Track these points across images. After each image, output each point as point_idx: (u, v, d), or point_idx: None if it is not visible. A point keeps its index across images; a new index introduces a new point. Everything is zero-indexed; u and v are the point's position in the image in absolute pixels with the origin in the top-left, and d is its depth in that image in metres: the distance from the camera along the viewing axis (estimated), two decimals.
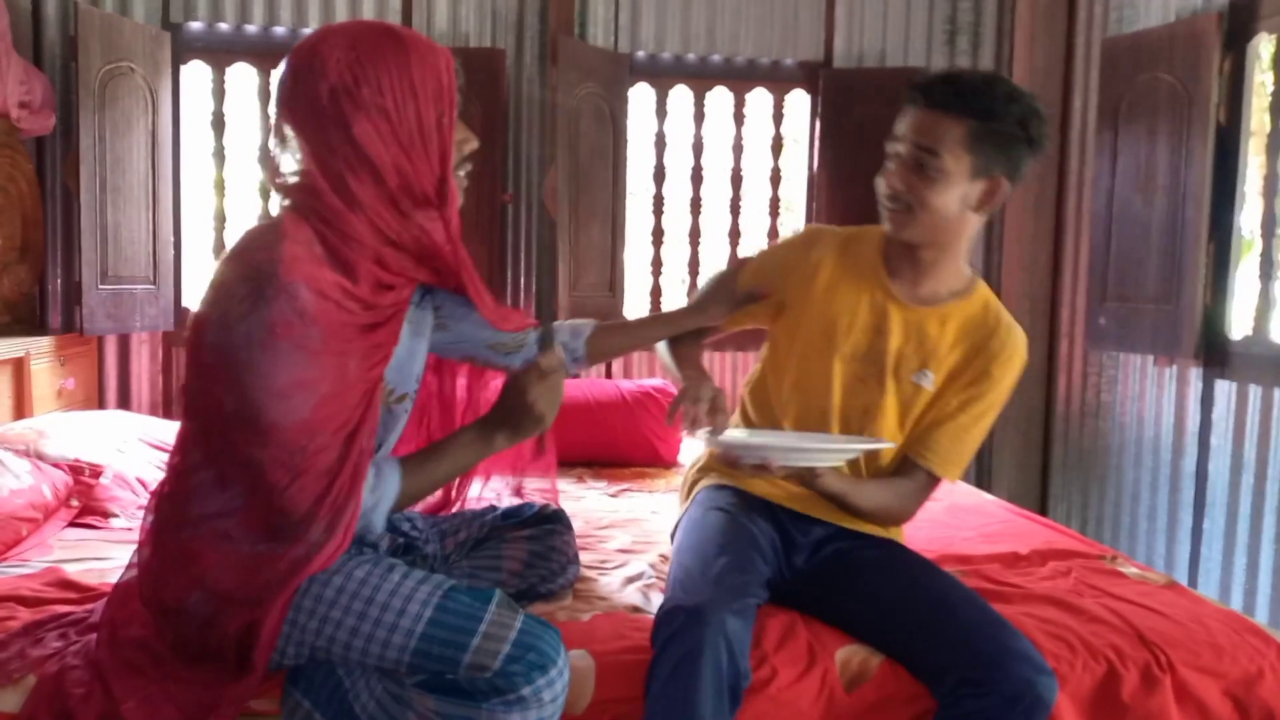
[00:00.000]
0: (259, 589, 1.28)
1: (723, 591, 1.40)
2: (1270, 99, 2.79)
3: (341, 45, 1.28)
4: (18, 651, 1.41)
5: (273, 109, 1.33)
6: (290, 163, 1.31)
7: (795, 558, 1.66)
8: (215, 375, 1.28)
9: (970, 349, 1.66)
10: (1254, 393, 2.77)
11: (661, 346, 1.85)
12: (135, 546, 1.43)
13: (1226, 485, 2.86)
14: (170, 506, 1.36)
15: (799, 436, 1.66)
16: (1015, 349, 1.67)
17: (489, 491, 1.83)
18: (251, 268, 1.26)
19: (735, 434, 1.55)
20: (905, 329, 1.66)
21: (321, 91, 1.27)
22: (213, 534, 1.30)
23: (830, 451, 1.55)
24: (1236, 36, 2.85)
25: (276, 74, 1.34)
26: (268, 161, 1.37)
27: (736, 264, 1.85)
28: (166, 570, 1.34)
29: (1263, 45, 2.83)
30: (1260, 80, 2.86)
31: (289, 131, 1.30)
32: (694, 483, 1.83)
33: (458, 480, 1.78)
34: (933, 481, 1.69)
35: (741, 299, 1.78)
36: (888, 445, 1.61)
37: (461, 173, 1.42)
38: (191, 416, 1.36)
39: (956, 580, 1.60)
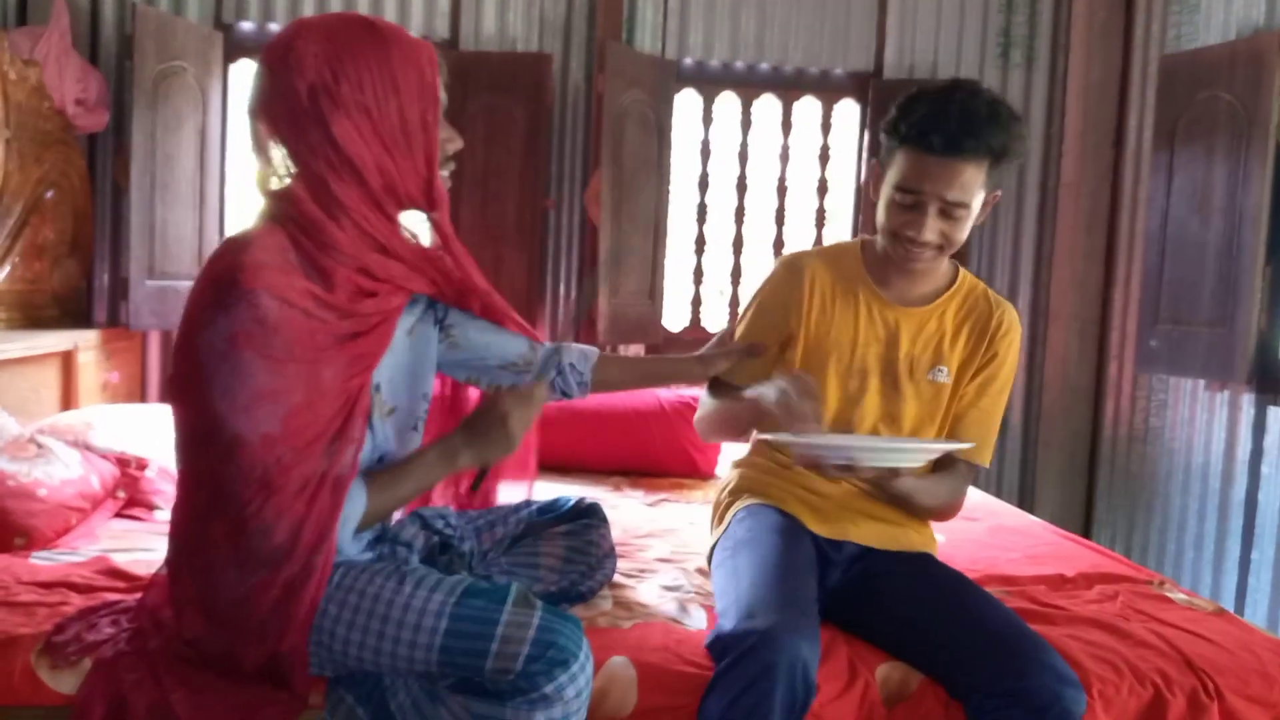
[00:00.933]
0: (260, 622, 1.26)
1: (795, 614, 1.39)
2: None
3: (318, 40, 1.23)
4: (74, 635, 1.43)
5: (248, 112, 1.28)
6: (270, 168, 1.27)
7: (829, 577, 1.65)
8: (184, 388, 1.24)
9: (974, 335, 1.69)
10: None
11: (705, 400, 1.82)
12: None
13: (1277, 514, 2.79)
14: (174, 533, 1.35)
15: (880, 439, 1.67)
16: (1012, 321, 1.71)
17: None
18: (214, 276, 1.21)
19: (814, 436, 1.51)
20: (910, 332, 1.69)
21: (300, 89, 1.21)
22: (204, 566, 1.28)
23: (915, 452, 1.55)
24: None
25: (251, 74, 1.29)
26: (251, 168, 1.33)
27: (728, 329, 1.83)
28: (182, 602, 1.33)
29: None
30: None
31: (266, 135, 1.26)
32: (728, 505, 1.81)
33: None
34: (972, 471, 1.72)
35: (739, 353, 1.75)
36: (967, 446, 1.60)
37: (445, 173, 1.36)
38: (176, 438, 1.30)
39: (985, 593, 1.59)
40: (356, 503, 1.29)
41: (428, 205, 1.32)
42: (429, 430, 1.55)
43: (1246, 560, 2.90)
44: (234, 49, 3.44)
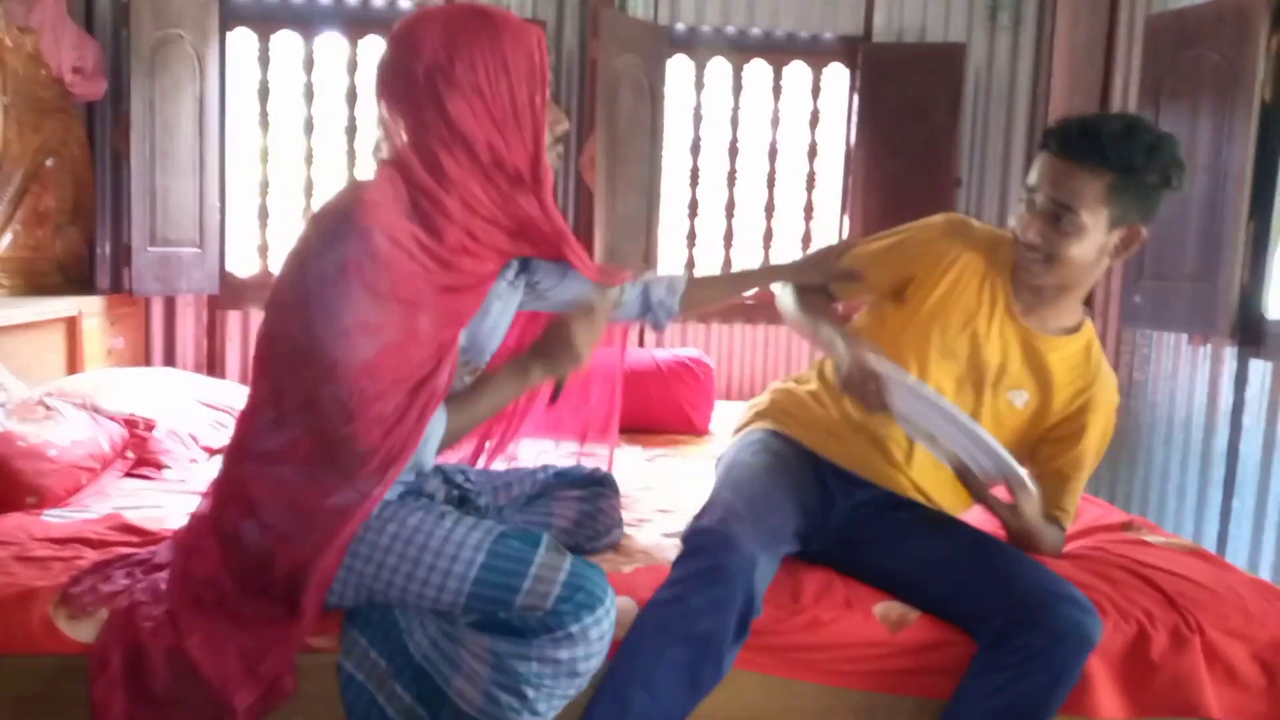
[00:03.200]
0: (305, 528, 1.33)
1: (759, 527, 1.45)
2: None
3: (436, 26, 1.32)
4: (90, 587, 1.48)
5: (374, 92, 1.38)
6: (388, 141, 1.36)
7: (832, 518, 1.68)
8: (287, 311, 1.33)
9: (1070, 385, 1.67)
10: None
11: (787, 299, 1.83)
12: (194, 494, 1.49)
13: (1258, 465, 2.86)
14: (236, 442, 1.42)
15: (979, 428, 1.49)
16: (1104, 398, 1.69)
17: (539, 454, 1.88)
18: (333, 209, 1.31)
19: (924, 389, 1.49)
20: (1012, 346, 1.66)
21: (417, 71, 1.31)
22: (267, 468, 1.36)
23: (996, 456, 1.46)
24: None
25: (375, 52, 1.39)
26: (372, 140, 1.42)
27: (846, 242, 1.84)
28: (226, 500, 1.41)
29: None
30: None
31: (387, 111, 1.35)
32: (748, 422, 1.86)
33: (499, 435, 1.84)
34: (1063, 531, 1.71)
35: (838, 273, 1.78)
36: (1031, 488, 1.52)
37: (553, 154, 1.45)
38: (263, 355, 1.39)
39: (994, 536, 1.63)
40: (437, 423, 1.37)
41: (533, 181, 1.38)
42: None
43: (1228, 509, 2.97)
44: (230, 17, 3.45)
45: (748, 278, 2.00)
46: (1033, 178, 1.56)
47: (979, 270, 1.67)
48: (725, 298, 1.93)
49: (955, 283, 1.68)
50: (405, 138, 1.34)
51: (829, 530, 1.67)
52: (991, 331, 1.66)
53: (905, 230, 1.77)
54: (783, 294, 1.86)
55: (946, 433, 1.47)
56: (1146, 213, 1.53)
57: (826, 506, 1.69)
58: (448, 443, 1.44)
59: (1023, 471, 1.49)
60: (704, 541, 1.43)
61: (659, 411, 2.97)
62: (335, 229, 1.28)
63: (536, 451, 1.97)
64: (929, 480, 1.72)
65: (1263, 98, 2.83)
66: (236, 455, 1.42)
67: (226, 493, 1.41)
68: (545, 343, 1.43)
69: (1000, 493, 1.54)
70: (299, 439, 1.34)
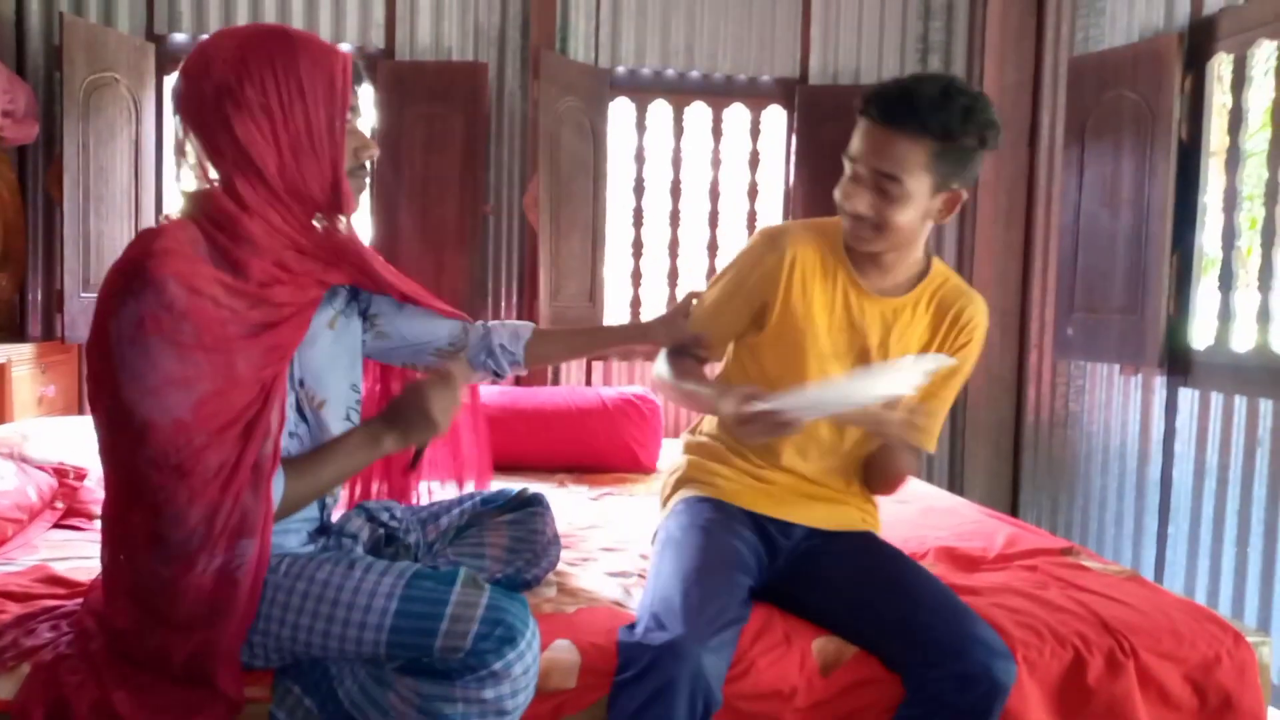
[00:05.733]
0: (187, 614, 1.27)
1: (703, 625, 1.39)
2: (1229, 117, 2.88)
3: (228, 45, 1.26)
4: (11, 641, 1.42)
5: (172, 111, 1.32)
6: (188, 169, 1.31)
7: (778, 560, 1.69)
8: (97, 378, 1.25)
9: (943, 326, 1.69)
10: (1216, 400, 2.86)
11: (661, 364, 1.79)
12: None
13: (1190, 491, 2.94)
14: (104, 526, 1.35)
15: (853, 377, 1.52)
16: (980, 314, 1.71)
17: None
18: (123, 265, 1.23)
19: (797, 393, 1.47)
20: (883, 322, 1.68)
21: (206, 91, 1.25)
22: (129, 556, 1.30)
23: (891, 377, 1.46)
24: (1196, 56, 2.95)
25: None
26: (173, 169, 1.36)
27: (688, 297, 1.80)
28: (112, 594, 1.34)
29: (1222, 65, 2.93)
30: (1220, 100, 2.95)
31: (183, 136, 1.29)
32: (671, 493, 1.83)
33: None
34: (918, 454, 1.74)
35: (686, 338, 1.74)
36: (949, 362, 1.56)
37: (357, 181, 1.38)
38: (96, 431, 1.31)
39: (920, 568, 1.65)
40: (275, 489, 1.29)
41: (334, 208, 1.34)
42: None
43: (1164, 534, 3.04)
44: (167, 60, 3.43)
45: (597, 335, 1.91)
46: (854, 147, 1.55)
47: (815, 261, 1.67)
48: (574, 354, 1.87)
49: (802, 283, 1.66)
50: (206, 164, 1.29)
51: (777, 571, 1.68)
52: (856, 317, 1.66)
53: (733, 266, 1.75)
54: (658, 365, 1.81)
55: (851, 402, 1.46)
56: (966, 176, 1.55)
57: (771, 552, 1.68)
58: (288, 509, 1.34)
59: (910, 365, 1.49)
60: (648, 660, 1.35)
61: (605, 449, 2.97)
62: (127, 285, 1.20)
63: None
64: (841, 485, 1.74)
65: (1180, 136, 2.95)
66: (106, 538, 1.35)
67: (111, 588, 1.34)
68: (400, 410, 1.37)
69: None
70: (138, 517, 1.26)
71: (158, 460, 1.20)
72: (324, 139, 1.29)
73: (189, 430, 1.20)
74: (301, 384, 1.39)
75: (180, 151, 1.30)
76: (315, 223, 1.36)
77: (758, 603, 1.62)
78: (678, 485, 1.82)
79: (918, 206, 1.55)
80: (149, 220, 3.35)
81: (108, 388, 1.22)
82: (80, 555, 1.92)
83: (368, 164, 1.40)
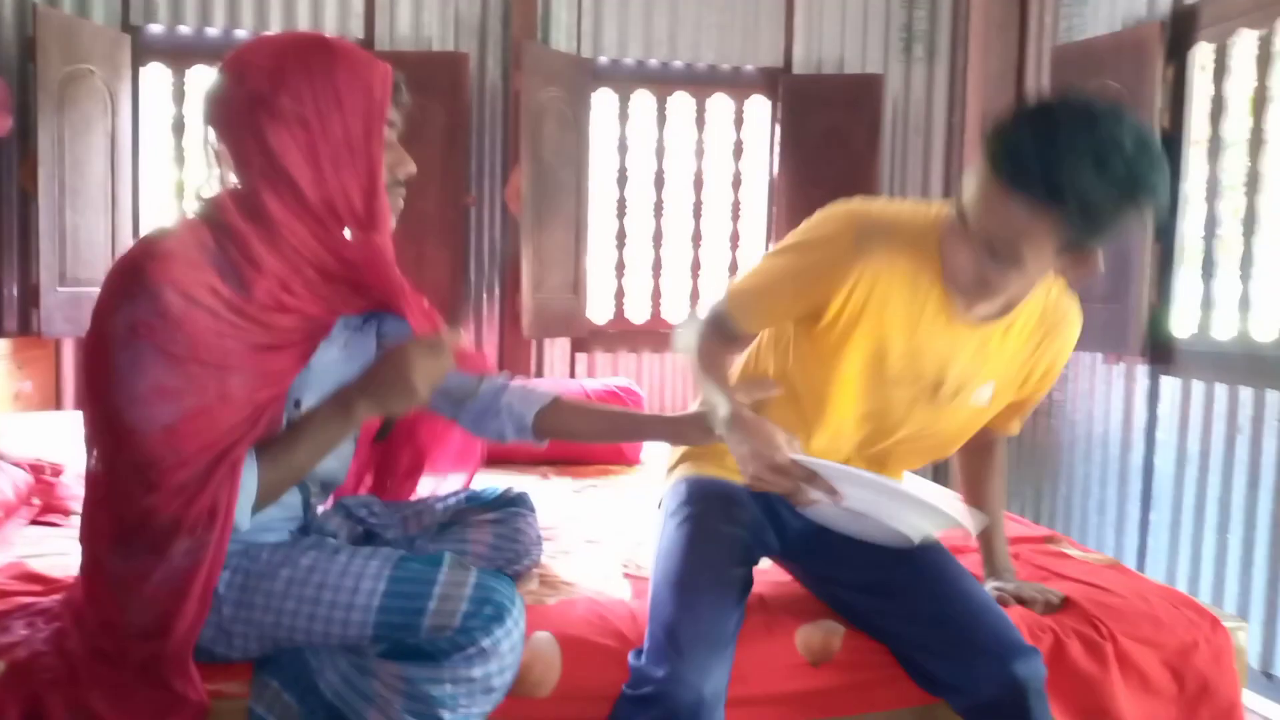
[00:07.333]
0: (140, 617, 1.25)
1: (700, 653, 1.35)
2: (1210, 106, 2.89)
3: (266, 53, 1.24)
4: None
5: (202, 115, 1.29)
6: (213, 173, 1.28)
7: (789, 527, 1.60)
8: (89, 374, 1.24)
9: (1040, 342, 1.51)
10: (1197, 389, 2.87)
11: (688, 335, 1.58)
12: None
13: (1172, 478, 2.95)
14: (82, 523, 1.34)
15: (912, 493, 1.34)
16: (1075, 324, 1.54)
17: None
18: (125, 265, 1.21)
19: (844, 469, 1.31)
20: (970, 351, 1.46)
21: (239, 98, 1.22)
22: (97, 551, 1.28)
23: (935, 516, 1.36)
24: (1178, 45, 2.95)
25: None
26: (197, 172, 1.32)
27: (751, 379, 1.56)
28: (90, 595, 1.33)
29: (1203, 54, 2.94)
30: (1202, 89, 2.96)
31: (216, 142, 1.27)
32: (676, 463, 1.73)
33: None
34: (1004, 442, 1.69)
35: (747, 395, 1.46)
36: (976, 520, 1.42)
37: (395, 197, 1.35)
38: (84, 424, 1.29)
39: (955, 560, 1.56)
40: (248, 481, 1.25)
41: (368, 224, 1.29)
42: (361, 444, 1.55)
43: (1146, 522, 3.06)
44: (143, 52, 3.39)
45: (624, 419, 1.70)
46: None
47: (904, 269, 1.41)
48: (593, 435, 1.66)
49: (881, 299, 1.42)
50: (232, 171, 1.27)
51: (790, 535, 1.60)
52: (936, 340, 1.44)
53: (799, 247, 1.47)
54: (682, 336, 1.60)
55: (885, 510, 1.35)
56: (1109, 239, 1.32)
57: (779, 527, 1.60)
58: (267, 498, 1.29)
59: (960, 510, 1.39)
60: (650, 691, 1.32)
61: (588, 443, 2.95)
62: (124, 287, 1.18)
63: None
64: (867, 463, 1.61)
65: (1162, 124, 2.95)
66: (82, 533, 1.33)
67: (87, 583, 1.33)
68: (376, 375, 1.28)
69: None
70: (106, 516, 1.25)
71: (132, 466, 1.19)
72: (361, 152, 1.25)
73: (172, 441, 1.18)
74: (298, 405, 1.34)
75: (208, 155, 1.27)
76: (346, 234, 1.30)
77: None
78: (682, 458, 1.72)
79: (1038, 271, 1.34)
80: (126, 214, 3.31)
81: (96, 386, 1.21)
82: (57, 552, 1.90)
83: (403, 181, 1.35)
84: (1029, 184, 1.21)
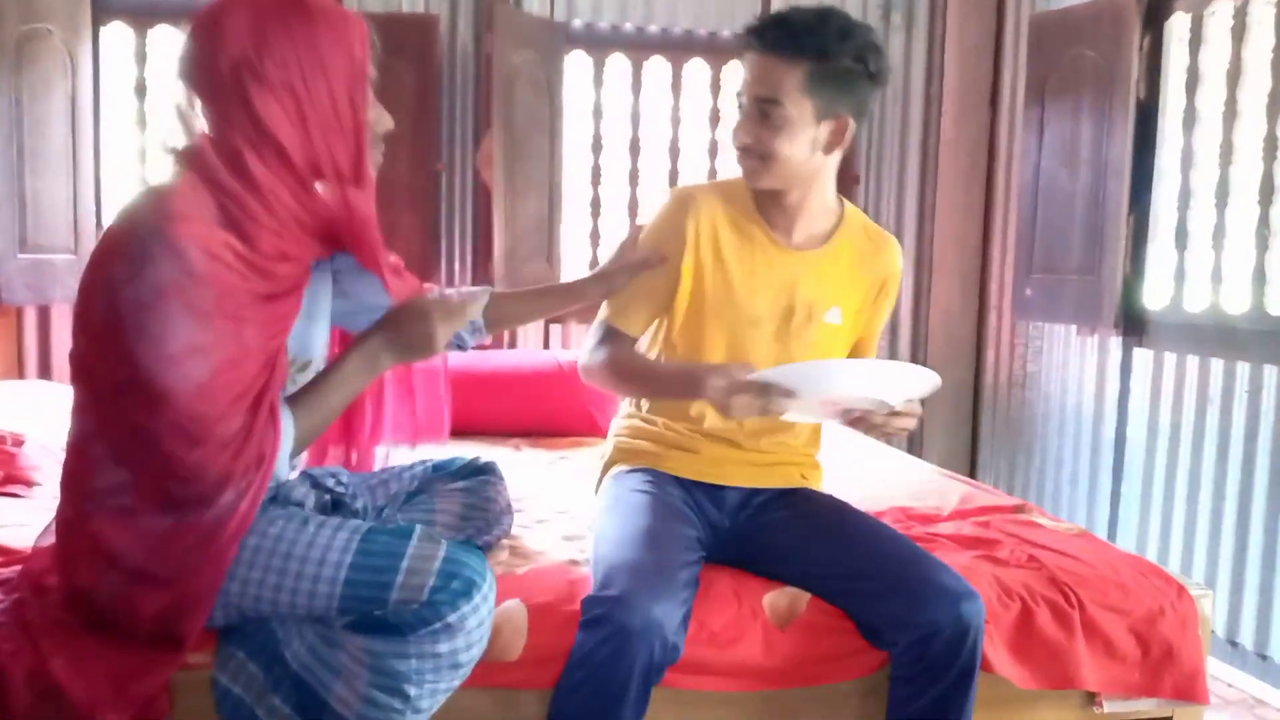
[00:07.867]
0: (172, 566, 1.26)
1: (650, 576, 1.40)
2: (1186, 77, 2.88)
3: (244, 14, 1.23)
4: None
5: (176, 74, 1.28)
6: (190, 131, 1.27)
7: (719, 523, 1.68)
8: (104, 341, 1.23)
9: (868, 274, 1.71)
10: (1170, 361, 2.88)
11: (596, 354, 1.70)
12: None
13: (1143, 450, 2.97)
14: (71, 484, 1.33)
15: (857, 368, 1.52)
16: (896, 254, 1.75)
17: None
18: (139, 227, 1.21)
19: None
20: (808, 275, 1.66)
21: (221, 64, 1.22)
22: (114, 510, 1.28)
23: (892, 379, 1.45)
24: (1155, 15, 2.94)
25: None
26: (173, 128, 1.30)
27: (630, 234, 1.75)
28: (76, 552, 1.31)
29: (1180, 24, 2.92)
30: (1178, 60, 2.95)
31: (189, 99, 1.26)
32: (602, 475, 1.80)
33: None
34: None
35: (636, 266, 1.68)
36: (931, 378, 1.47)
37: (376, 154, 1.37)
38: (80, 386, 1.30)
39: (866, 517, 1.66)
40: (285, 430, 1.30)
41: (355, 184, 1.31)
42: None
43: (1117, 494, 3.08)
44: (103, 11, 3.29)
45: (554, 293, 1.89)
46: (740, 82, 1.57)
47: (725, 220, 1.65)
48: (533, 314, 1.88)
49: (714, 245, 1.64)
50: (209, 131, 1.26)
51: (718, 532, 1.67)
52: (774, 271, 1.65)
53: (648, 233, 1.71)
54: (588, 355, 1.72)
55: (839, 395, 1.45)
56: (852, 104, 1.55)
57: (705, 514, 1.67)
58: (302, 445, 1.37)
59: (912, 367, 1.48)
60: (601, 611, 1.36)
61: (562, 414, 2.93)
62: (144, 250, 1.18)
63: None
64: (773, 445, 1.72)
65: (1138, 95, 2.94)
66: (75, 496, 1.32)
67: (77, 545, 1.31)
68: (401, 326, 1.35)
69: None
70: (140, 476, 1.26)
71: (173, 426, 1.20)
72: (347, 114, 1.27)
73: (210, 396, 1.21)
74: (290, 351, 1.37)
75: (183, 114, 1.27)
76: (319, 188, 1.31)
77: (707, 564, 1.61)
78: (606, 467, 1.80)
79: (802, 134, 1.54)
80: (88, 179, 3.22)
81: (115, 353, 1.20)
82: (17, 523, 1.86)
83: (382, 135, 1.38)
84: (779, 42, 1.50)
